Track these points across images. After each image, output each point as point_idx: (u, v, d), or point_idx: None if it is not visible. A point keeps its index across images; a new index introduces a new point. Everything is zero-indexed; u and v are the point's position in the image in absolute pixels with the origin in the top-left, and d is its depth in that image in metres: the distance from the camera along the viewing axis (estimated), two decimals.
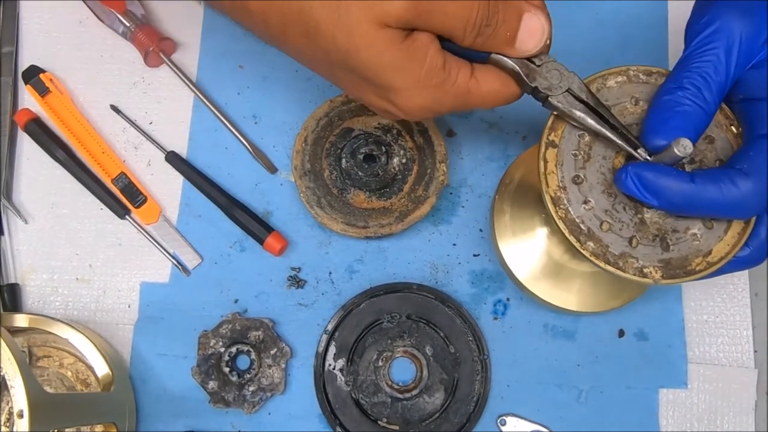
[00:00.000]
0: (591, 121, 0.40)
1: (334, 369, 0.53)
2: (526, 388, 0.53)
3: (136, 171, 0.58)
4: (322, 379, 0.53)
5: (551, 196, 0.39)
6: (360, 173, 0.53)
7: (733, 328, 0.54)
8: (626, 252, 0.39)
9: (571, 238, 0.39)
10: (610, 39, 0.59)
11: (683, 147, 0.36)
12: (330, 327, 0.53)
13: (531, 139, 0.58)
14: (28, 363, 0.52)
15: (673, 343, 0.54)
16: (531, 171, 0.53)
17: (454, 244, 0.56)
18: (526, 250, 0.51)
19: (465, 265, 0.55)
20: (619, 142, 0.39)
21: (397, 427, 0.52)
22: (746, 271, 0.55)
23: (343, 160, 0.54)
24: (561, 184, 0.39)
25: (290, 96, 0.59)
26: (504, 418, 0.53)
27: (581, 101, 0.40)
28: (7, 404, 0.50)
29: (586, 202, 0.39)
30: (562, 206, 0.39)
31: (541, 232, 0.51)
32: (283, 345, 0.53)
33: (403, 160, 0.55)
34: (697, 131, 0.38)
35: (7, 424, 0.50)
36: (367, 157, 0.54)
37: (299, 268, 0.56)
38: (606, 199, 0.39)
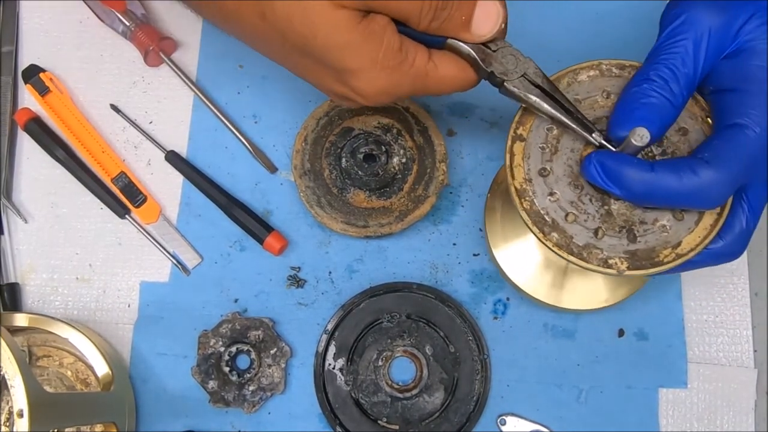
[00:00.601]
0: (546, 106, 0.40)
1: (333, 368, 0.53)
2: (526, 388, 0.53)
3: (136, 170, 0.58)
4: (321, 379, 0.53)
5: (516, 188, 0.40)
6: (360, 173, 0.53)
7: (732, 327, 0.54)
8: (591, 243, 0.39)
9: (534, 229, 0.39)
10: (608, 38, 0.59)
11: (639, 136, 0.36)
12: (330, 326, 0.53)
13: None
14: (28, 362, 0.52)
15: (673, 343, 0.54)
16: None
17: (454, 244, 0.56)
18: (518, 250, 0.52)
19: (465, 264, 0.55)
20: (574, 126, 0.40)
21: (396, 427, 0.52)
22: (746, 271, 0.55)
23: (343, 160, 0.54)
24: (527, 177, 0.40)
25: (290, 96, 0.59)
26: (504, 417, 0.53)
27: (537, 86, 0.41)
28: (7, 404, 0.50)
29: (551, 194, 0.39)
30: (527, 198, 0.39)
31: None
32: (283, 344, 0.53)
33: (403, 160, 0.55)
34: (663, 123, 0.38)
35: (7, 424, 0.50)
36: (367, 157, 0.54)
37: (299, 268, 0.56)
38: (572, 190, 0.40)
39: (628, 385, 0.53)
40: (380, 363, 0.53)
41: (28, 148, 0.58)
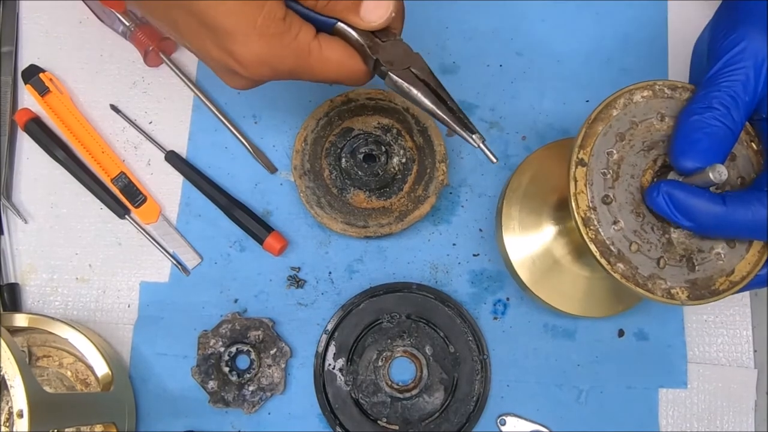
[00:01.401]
0: (428, 102, 0.39)
1: (333, 369, 0.53)
2: (526, 388, 0.53)
3: (135, 171, 0.58)
4: (321, 379, 0.53)
5: (582, 217, 0.39)
6: (360, 173, 0.53)
7: (732, 328, 0.54)
8: (655, 273, 0.38)
9: (603, 261, 0.38)
10: (610, 39, 0.59)
11: (719, 173, 0.36)
12: (330, 327, 0.53)
13: (531, 140, 0.58)
14: (27, 363, 0.52)
15: (673, 343, 0.54)
16: (538, 175, 0.53)
17: (454, 244, 0.56)
18: (534, 254, 0.51)
19: (465, 264, 0.55)
20: (455, 125, 0.39)
21: (396, 427, 0.52)
22: None
23: (343, 160, 0.54)
24: (591, 205, 0.39)
25: (290, 96, 0.59)
26: (504, 417, 0.53)
27: (422, 81, 0.40)
28: (7, 404, 0.50)
29: (615, 222, 0.39)
30: (592, 227, 0.39)
31: (549, 234, 0.51)
32: (283, 345, 0.53)
33: (403, 160, 0.55)
34: (725, 152, 0.38)
35: (7, 424, 0.50)
36: (366, 157, 0.54)
37: (299, 268, 0.56)
38: (634, 219, 0.39)
39: (628, 385, 0.53)
40: (380, 363, 0.53)
41: (28, 148, 0.58)
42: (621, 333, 0.54)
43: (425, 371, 0.52)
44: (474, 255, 0.56)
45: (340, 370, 0.53)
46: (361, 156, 0.54)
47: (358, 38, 0.39)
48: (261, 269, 0.56)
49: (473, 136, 0.39)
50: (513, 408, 0.53)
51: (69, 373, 0.52)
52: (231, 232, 0.56)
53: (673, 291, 0.38)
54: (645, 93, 0.41)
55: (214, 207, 0.56)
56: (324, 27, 0.39)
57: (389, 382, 0.52)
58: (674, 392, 0.53)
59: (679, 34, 0.59)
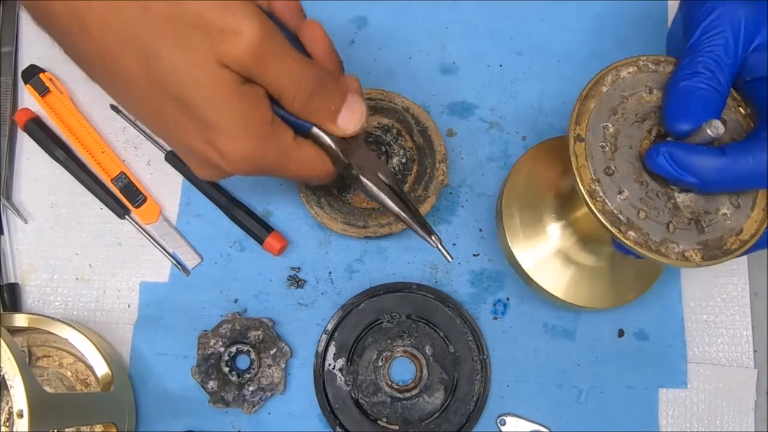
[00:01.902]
0: (394, 205, 0.44)
1: (333, 369, 0.53)
2: (526, 388, 0.53)
3: (135, 171, 0.58)
4: (321, 379, 0.53)
5: (587, 190, 0.39)
6: None
7: (732, 328, 0.54)
8: (666, 238, 0.39)
9: (613, 230, 0.39)
10: (610, 39, 0.59)
11: (715, 128, 0.37)
12: (330, 327, 0.53)
13: (531, 140, 0.58)
14: (27, 363, 0.52)
15: (673, 343, 0.54)
16: (534, 172, 0.53)
17: (454, 244, 0.56)
18: (538, 249, 0.51)
19: (465, 264, 0.55)
20: (417, 227, 0.44)
21: (396, 427, 0.52)
22: (746, 271, 0.55)
23: None
24: (594, 177, 0.40)
25: None
26: (504, 417, 0.53)
27: (387, 185, 0.45)
28: (7, 404, 0.50)
29: (620, 192, 0.40)
30: (598, 198, 0.39)
31: (551, 228, 0.51)
32: (283, 345, 0.53)
33: (403, 160, 0.55)
34: (717, 113, 0.39)
35: (7, 424, 0.50)
36: None
37: (299, 268, 0.56)
38: (639, 187, 0.40)
39: (628, 385, 0.53)
40: (380, 363, 0.53)
41: (28, 148, 0.58)
42: (621, 333, 0.54)
43: (425, 371, 0.52)
44: (474, 255, 0.56)
45: (340, 370, 0.53)
46: None
47: (332, 144, 0.42)
48: (261, 269, 0.56)
49: (432, 237, 0.45)
50: (513, 408, 0.53)
51: (69, 373, 0.52)
52: (231, 232, 0.56)
53: (686, 254, 0.39)
54: (630, 69, 0.42)
55: (214, 207, 0.56)
56: (301, 130, 0.42)
57: (389, 382, 0.52)
58: (674, 392, 0.53)
59: None
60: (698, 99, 0.39)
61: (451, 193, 0.57)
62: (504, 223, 0.51)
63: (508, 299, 0.55)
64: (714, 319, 0.54)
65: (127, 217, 0.57)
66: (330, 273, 0.55)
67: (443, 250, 0.45)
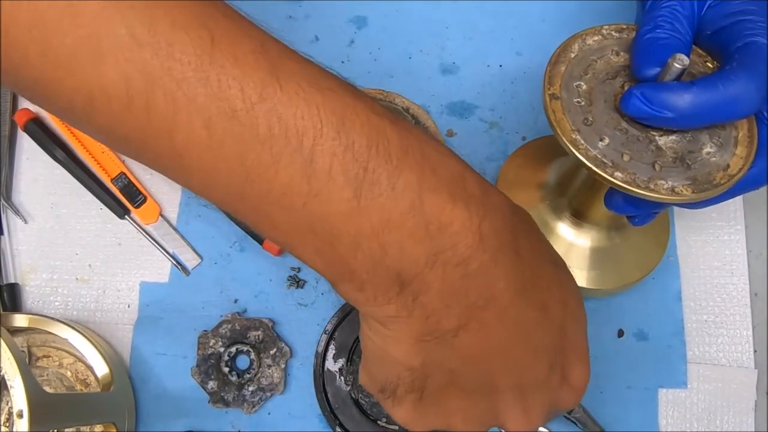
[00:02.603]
0: None
1: (333, 369, 0.53)
2: None
3: (135, 171, 0.58)
4: (321, 379, 0.53)
5: (569, 139, 0.40)
6: None
7: (732, 328, 0.54)
8: (654, 175, 0.39)
9: (599, 171, 0.39)
10: None
11: (680, 59, 0.38)
12: (329, 327, 0.53)
13: (531, 140, 0.58)
14: (27, 363, 0.52)
15: (673, 343, 0.53)
16: (522, 167, 0.54)
17: None
18: None
19: None
20: None
21: (396, 427, 0.52)
22: (746, 271, 0.55)
23: None
24: (573, 127, 0.40)
25: None
26: None
27: None
28: (7, 404, 0.50)
29: (601, 139, 0.40)
30: (581, 146, 0.40)
31: (543, 213, 0.52)
32: (283, 345, 0.53)
33: None
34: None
35: (7, 424, 0.50)
36: None
37: (299, 268, 0.56)
38: (619, 134, 0.40)
39: (628, 385, 0.53)
40: None
41: (28, 148, 0.58)
42: (621, 333, 0.54)
43: None
44: None
45: (340, 370, 0.53)
46: None
47: None
48: (261, 269, 0.56)
49: None
50: None
51: (69, 373, 0.52)
52: (231, 232, 0.56)
53: (676, 189, 0.39)
54: (596, 37, 0.44)
55: (214, 207, 0.56)
56: None
57: None
58: (674, 392, 0.53)
59: None
60: (662, 46, 0.40)
61: None
62: None
63: None
64: (714, 319, 0.54)
65: (127, 217, 0.57)
66: None
67: None
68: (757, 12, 0.40)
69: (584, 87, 0.42)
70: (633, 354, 0.53)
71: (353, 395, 0.52)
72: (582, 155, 0.40)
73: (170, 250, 0.56)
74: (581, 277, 0.51)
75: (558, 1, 0.60)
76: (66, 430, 0.49)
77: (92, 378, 0.52)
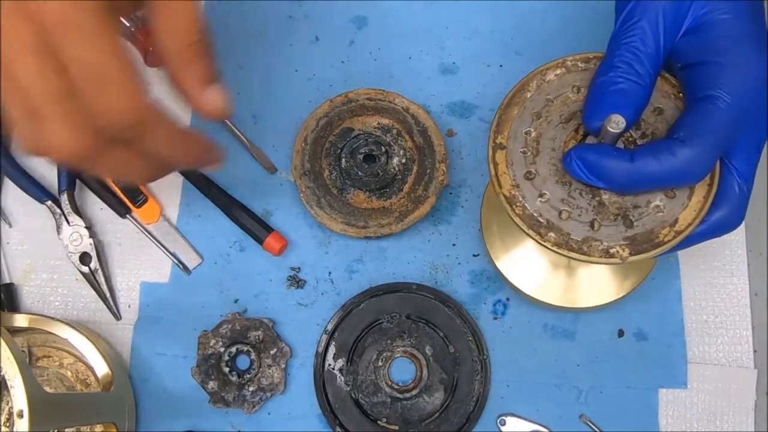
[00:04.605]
0: None
1: (333, 369, 0.53)
2: (526, 388, 0.53)
3: None
4: (321, 379, 0.53)
5: (506, 196, 0.39)
6: (360, 173, 0.53)
7: (732, 328, 0.54)
8: (589, 236, 0.38)
9: (531, 233, 0.39)
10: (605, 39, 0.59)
11: (615, 123, 0.36)
12: (330, 327, 0.53)
13: None
14: (28, 363, 0.52)
15: (673, 343, 0.53)
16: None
17: (454, 244, 0.56)
18: (520, 258, 0.51)
19: (465, 265, 0.55)
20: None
21: (396, 427, 0.52)
22: (746, 271, 0.55)
23: (343, 160, 0.54)
24: (514, 183, 0.40)
25: (290, 96, 0.59)
26: (504, 418, 0.53)
27: None
28: (7, 404, 0.50)
29: (541, 195, 0.39)
30: (518, 204, 0.39)
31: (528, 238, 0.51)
32: (283, 345, 0.53)
33: (403, 160, 0.55)
34: (636, 106, 0.38)
35: (7, 424, 0.50)
36: (366, 157, 0.54)
37: (299, 268, 0.56)
38: (561, 188, 0.39)
39: (628, 386, 0.53)
40: (380, 363, 0.53)
41: None
42: (621, 333, 0.54)
43: (425, 371, 0.52)
44: (474, 255, 0.56)
45: (340, 370, 0.53)
46: (361, 156, 0.54)
47: None
48: (261, 269, 0.56)
49: None
50: (513, 408, 0.53)
51: (69, 373, 0.52)
52: (231, 232, 0.56)
53: (611, 250, 0.38)
54: (558, 71, 0.42)
55: (214, 207, 0.56)
56: None
57: (389, 383, 0.52)
58: (674, 392, 0.53)
59: None
60: (613, 93, 0.38)
61: (451, 193, 0.57)
62: (484, 238, 0.52)
63: (507, 299, 0.55)
64: (714, 319, 0.54)
65: (128, 216, 0.57)
66: (330, 273, 0.56)
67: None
68: (729, 50, 0.37)
69: (533, 134, 0.40)
70: (633, 354, 0.53)
71: (353, 395, 0.52)
72: (517, 214, 0.39)
73: (171, 250, 0.56)
74: (582, 298, 0.51)
75: (558, 1, 0.60)
76: (66, 430, 0.49)
77: (92, 378, 0.52)
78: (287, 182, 0.57)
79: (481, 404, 0.52)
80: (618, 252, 0.38)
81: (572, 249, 0.38)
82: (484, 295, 0.55)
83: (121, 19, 0.57)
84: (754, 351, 0.54)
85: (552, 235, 0.39)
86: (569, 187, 0.39)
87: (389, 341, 0.53)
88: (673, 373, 0.53)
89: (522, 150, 0.40)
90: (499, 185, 0.40)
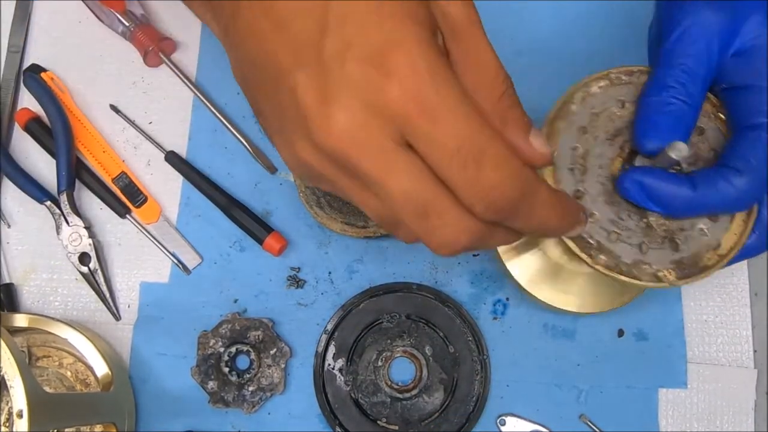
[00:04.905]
0: None
1: (333, 369, 0.53)
2: (526, 388, 0.53)
3: (136, 170, 0.58)
4: (321, 379, 0.53)
5: None
6: None
7: (732, 327, 0.54)
8: (638, 259, 0.38)
9: (583, 255, 0.38)
10: (612, 39, 0.59)
11: (678, 150, 0.35)
12: (329, 327, 0.53)
13: None
14: (27, 363, 0.52)
15: (673, 343, 0.54)
16: None
17: None
18: (526, 256, 0.51)
19: (465, 265, 0.55)
20: None
21: (396, 427, 0.52)
22: (746, 271, 0.55)
23: None
24: None
25: None
26: (504, 418, 0.53)
27: None
28: (7, 404, 0.50)
29: (591, 215, 0.38)
30: None
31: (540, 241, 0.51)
32: (283, 345, 0.53)
33: None
34: (688, 128, 0.38)
35: (7, 424, 0.50)
36: None
37: (299, 268, 0.56)
38: (609, 208, 0.39)
39: (628, 385, 0.53)
40: (380, 363, 0.53)
41: (28, 148, 0.58)
42: (621, 333, 0.54)
43: (425, 371, 0.52)
44: (474, 255, 0.56)
45: (340, 370, 0.53)
46: None
47: None
48: (261, 269, 0.56)
49: None
50: (513, 408, 0.53)
51: (69, 373, 0.52)
52: (231, 232, 0.56)
53: (659, 274, 0.38)
54: (601, 83, 0.41)
55: (214, 207, 0.56)
56: None
57: (389, 382, 0.52)
58: (674, 392, 0.53)
59: None
60: (666, 114, 0.37)
61: None
62: None
63: (507, 299, 0.55)
64: (714, 319, 0.54)
65: (127, 216, 0.57)
66: (330, 273, 0.55)
67: None
68: None
69: (580, 150, 0.39)
70: (633, 354, 0.53)
71: (353, 395, 0.52)
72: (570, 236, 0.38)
73: (171, 250, 0.56)
74: (577, 304, 0.51)
75: (558, 1, 0.60)
76: (66, 430, 0.49)
77: (92, 378, 0.52)
78: (287, 182, 0.57)
79: (480, 404, 0.52)
80: (666, 276, 0.38)
81: (622, 272, 0.38)
82: (484, 295, 0.55)
83: (121, 18, 0.57)
84: (754, 351, 0.54)
85: (602, 257, 0.38)
86: (618, 207, 0.38)
87: (389, 341, 0.53)
88: (673, 372, 0.53)
89: (569, 167, 0.39)
90: None
